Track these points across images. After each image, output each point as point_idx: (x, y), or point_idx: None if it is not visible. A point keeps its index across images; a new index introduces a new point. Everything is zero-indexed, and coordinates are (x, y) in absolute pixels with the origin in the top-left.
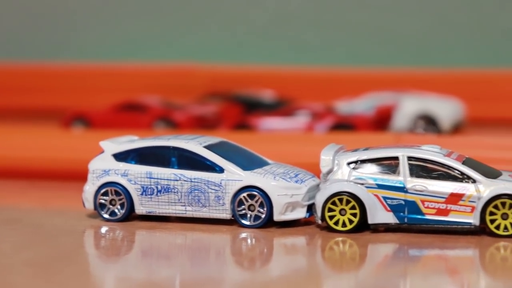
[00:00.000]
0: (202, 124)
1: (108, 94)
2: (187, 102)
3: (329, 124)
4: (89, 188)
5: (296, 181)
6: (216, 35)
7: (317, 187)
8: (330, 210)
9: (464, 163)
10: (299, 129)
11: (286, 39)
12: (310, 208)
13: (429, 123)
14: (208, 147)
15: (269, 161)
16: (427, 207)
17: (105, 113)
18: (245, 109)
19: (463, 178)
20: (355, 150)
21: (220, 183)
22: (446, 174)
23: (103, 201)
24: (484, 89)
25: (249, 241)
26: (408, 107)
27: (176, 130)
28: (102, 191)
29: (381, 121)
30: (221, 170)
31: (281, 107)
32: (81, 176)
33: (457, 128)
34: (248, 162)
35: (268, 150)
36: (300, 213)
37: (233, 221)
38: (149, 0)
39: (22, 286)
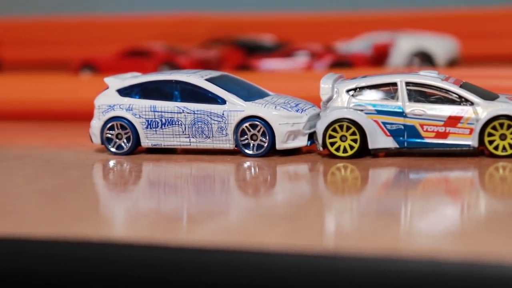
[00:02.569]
0: (205, 67)
1: (114, 43)
2: (190, 47)
3: (328, 63)
4: (96, 123)
5: (297, 110)
6: None
7: (317, 116)
8: (331, 137)
9: (461, 86)
10: (299, 69)
11: None
12: (311, 136)
13: (425, 59)
14: (210, 80)
15: (270, 92)
16: (426, 131)
17: (112, 59)
18: (246, 53)
19: (461, 101)
20: (354, 78)
21: (223, 114)
22: (444, 98)
23: (109, 135)
24: (477, 27)
25: (252, 169)
26: (404, 45)
27: None
28: (108, 125)
29: (378, 58)
30: (223, 101)
31: (280, 49)
32: (88, 117)
33: (452, 65)
34: (249, 93)
35: (269, 88)
36: (302, 141)
37: (237, 151)
38: None
39: (33, 213)
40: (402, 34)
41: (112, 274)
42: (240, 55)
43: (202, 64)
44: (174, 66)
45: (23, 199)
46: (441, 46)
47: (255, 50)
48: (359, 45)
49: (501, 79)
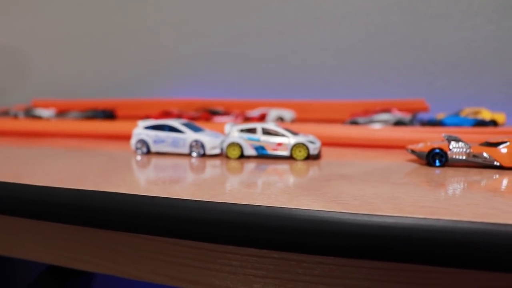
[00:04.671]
0: (193, 119)
1: (158, 109)
2: (188, 111)
3: (242, 119)
4: (133, 140)
5: (216, 137)
6: (199, 85)
7: (224, 140)
8: (229, 148)
9: (284, 129)
10: (230, 121)
11: (224, 84)
12: (222, 149)
13: (281, 120)
14: (181, 123)
15: (207, 129)
16: (268, 148)
17: (157, 115)
18: (211, 114)
19: (284, 135)
20: (241, 124)
21: (184, 138)
22: (277, 134)
23: (138, 146)
24: (303, 107)
25: (196, 163)
26: (272, 114)
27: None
28: (137, 141)
29: (261, 119)
30: (184, 132)
31: (224, 113)
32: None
33: (293, 122)
34: (197, 130)
35: (214, 128)
36: (218, 150)
37: (189, 155)
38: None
39: (92, 179)
40: (272, 109)
41: (127, 211)
42: (208, 115)
43: (192, 118)
44: (181, 119)
45: (90, 171)
46: (288, 114)
47: (214, 113)
48: (254, 113)
49: (313, 127)
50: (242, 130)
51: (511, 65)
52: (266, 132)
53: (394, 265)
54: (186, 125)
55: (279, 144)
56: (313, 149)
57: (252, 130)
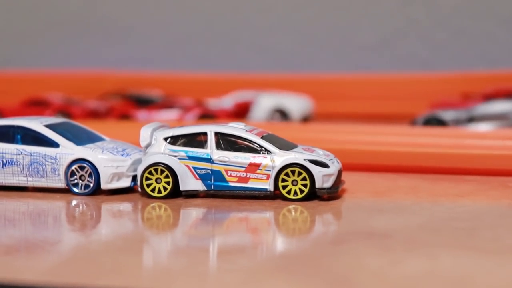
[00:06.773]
0: (94, 116)
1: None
2: (84, 98)
3: (196, 115)
4: None
5: (122, 155)
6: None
7: (141, 159)
8: (148, 179)
9: (263, 137)
10: (172, 119)
11: (172, 51)
12: (135, 178)
13: (283, 115)
14: (48, 126)
15: (105, 138)
16: (230, 176)
17: (16, 107)
18: (136, 105)
19: (261, 150)
20: (173, 128)
21: (56, 156)
22: (246, 147)
23: None
24: (328, 89)
25: (80, 207)
26: (265, 102)
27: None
28: None
29: (239, 112)
30: (56, 145)
31: (163, 102)
32: None
33: (306, 120)
34: (84, 139)
35: (131, 133)
36: (126, 183)
37: (67, 190)
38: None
39: None
40: (264, 94)
41: None
42: (127, 106)
43: (92, 114)
44: (67, 114)
45: None
46: (297, 104)
47: (143, 102)
48: (225, 101)
49: (340, 133)
50: (174, 140)
51: None
52: (224, 142)
53: None
54: (59, 128)
55: (252, 167)
56: (322, 176)
57: (196, 139)
